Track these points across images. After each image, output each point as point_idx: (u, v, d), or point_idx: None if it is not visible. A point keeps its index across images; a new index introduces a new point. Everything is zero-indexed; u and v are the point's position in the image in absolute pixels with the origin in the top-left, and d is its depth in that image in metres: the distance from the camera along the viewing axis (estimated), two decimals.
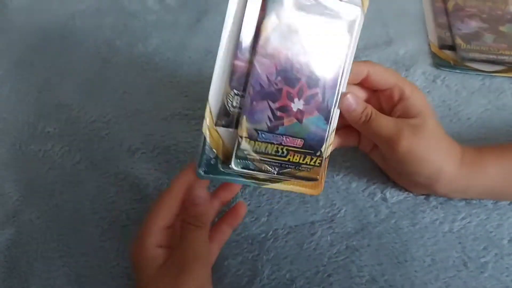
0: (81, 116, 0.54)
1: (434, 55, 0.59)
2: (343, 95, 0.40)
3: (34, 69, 0.59)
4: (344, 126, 0.43)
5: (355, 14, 0.37)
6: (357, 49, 0.35)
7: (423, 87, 0.56)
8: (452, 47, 0.60)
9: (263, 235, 0.44)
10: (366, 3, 0.38)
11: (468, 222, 0.44)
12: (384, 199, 0.46)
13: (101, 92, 0.56)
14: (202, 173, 0.36)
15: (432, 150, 0.42)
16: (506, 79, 0.56)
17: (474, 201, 0.46)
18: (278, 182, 0.40)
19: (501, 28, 0.62)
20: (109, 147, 0.51)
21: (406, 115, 0.42)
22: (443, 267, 0.42)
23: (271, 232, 0.44)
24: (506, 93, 0.55)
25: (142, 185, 0.48)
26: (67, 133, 0.52)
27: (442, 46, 0.61)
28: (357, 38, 0.38)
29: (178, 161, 0.49)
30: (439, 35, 0.62)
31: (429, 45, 0.61)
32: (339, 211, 0.45)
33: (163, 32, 0.63)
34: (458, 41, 0.60)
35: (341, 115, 0.41)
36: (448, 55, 0.59)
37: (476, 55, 0.58)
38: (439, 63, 0.58)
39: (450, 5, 0.66)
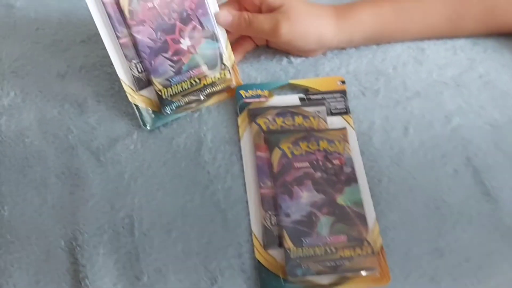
0: (2, 58, 0.56)
1: None
2: (217, 14, 0.47)
3: None
4: (236, 38, 0.51)
5: None
6: None
7: None
8: None
9: None
10: None
11: (360, 63, 0.54)
12: (290, 62, 0.54)
13: (14, 33, 0.58)
14: None
15: (308, 25, 0.50)
16: None
17: (362, 47, 0.55)
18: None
19: None
20: (39, 77, 0.54)
21: (273, 9, 0.49)
22: None
23: None
24: None
25: (81, 100, 0.52)
26: None
27: None
28: None
29: (107, 73, 0.53)
30: None
31: None
32: (257, 79, 0.53)
33: None
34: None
35: (229, 33, 0.49)
36: None
37: None
38: None
39: None
